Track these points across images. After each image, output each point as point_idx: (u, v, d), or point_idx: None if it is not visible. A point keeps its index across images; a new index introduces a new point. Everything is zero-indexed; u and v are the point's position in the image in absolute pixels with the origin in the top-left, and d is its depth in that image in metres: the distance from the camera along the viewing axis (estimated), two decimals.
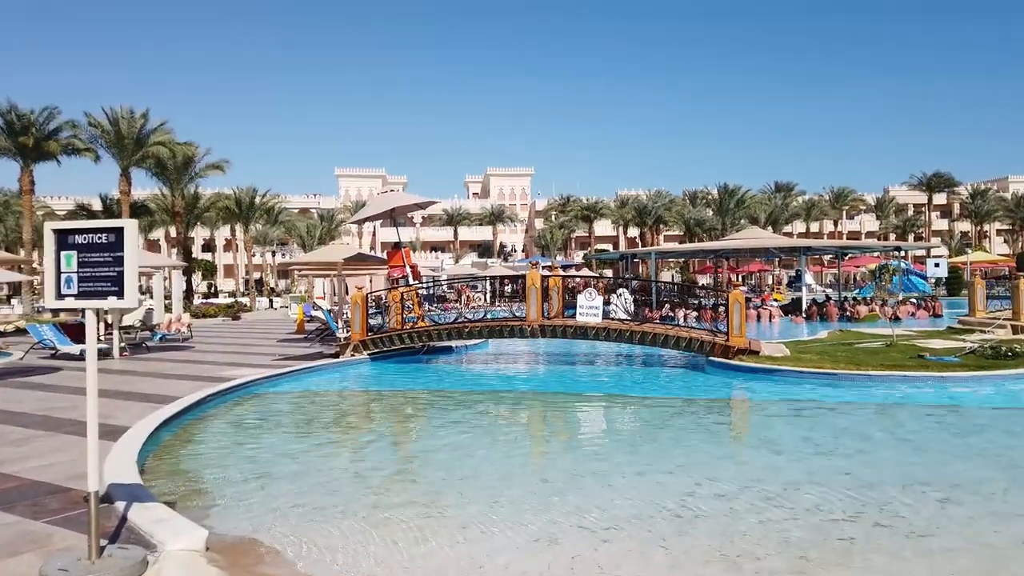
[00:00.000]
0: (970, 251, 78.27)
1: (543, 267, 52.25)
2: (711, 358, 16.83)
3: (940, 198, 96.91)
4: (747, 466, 8.49)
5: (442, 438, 10.30)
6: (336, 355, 18.51)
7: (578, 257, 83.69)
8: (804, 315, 31.91)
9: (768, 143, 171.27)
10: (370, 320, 19.24)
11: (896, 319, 27.17)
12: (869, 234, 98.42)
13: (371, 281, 30.70)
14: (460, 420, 11.71)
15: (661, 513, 6.56)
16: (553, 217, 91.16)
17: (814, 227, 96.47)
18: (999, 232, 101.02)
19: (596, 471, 8.19)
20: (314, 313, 30.01)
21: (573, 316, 17.87)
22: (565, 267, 60.74)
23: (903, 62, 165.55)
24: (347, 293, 24.15)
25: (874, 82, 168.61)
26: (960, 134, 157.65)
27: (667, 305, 31.40)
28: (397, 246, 21.70)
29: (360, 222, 37.51)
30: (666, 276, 68.33)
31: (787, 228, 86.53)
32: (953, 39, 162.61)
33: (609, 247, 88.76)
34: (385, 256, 28.13)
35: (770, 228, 69.90)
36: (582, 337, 17.97)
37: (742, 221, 66.95)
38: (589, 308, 17.61)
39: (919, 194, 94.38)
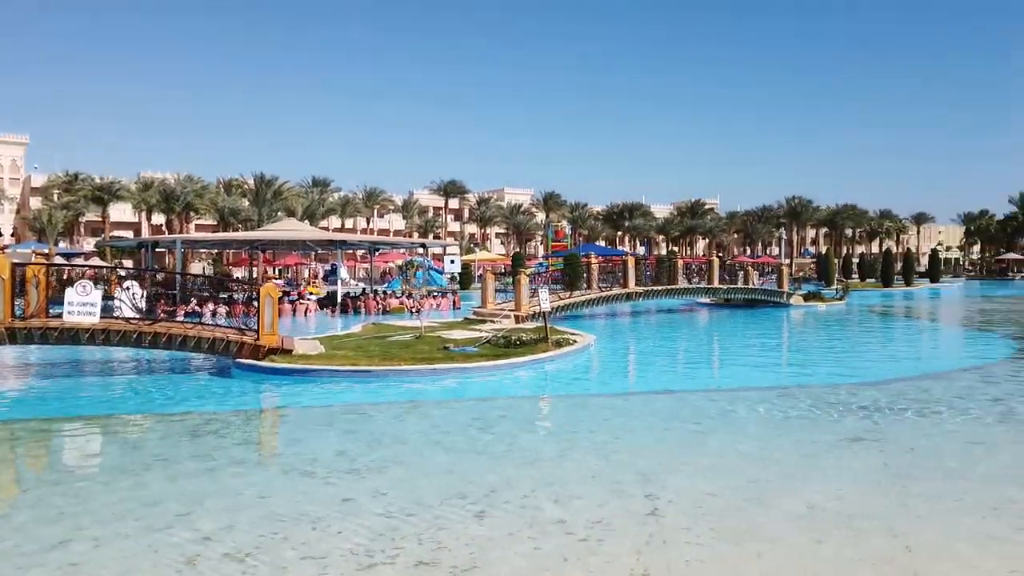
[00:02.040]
0: (477, 250, 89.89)
1: (37, 254, 42.88)
2: (239, 360, 14.90)
3: (454, 203, 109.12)
4: (273, 500, 6.97)
5: None
6: None
7: (89, 244, 71.68)
8: (340, 308, 31.84)
9: (308, 141, 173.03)
10: None
11: (418, 311, 28.78)
12: (397, 232, 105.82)
13: None
14: None
15: None
16: (56, 196, 76.39)
17: (349, 223, 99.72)
18: (497, 235, 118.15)
19: (43, 540, 5.74)
20: None
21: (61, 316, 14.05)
22: (68, 256, 51.06)
23: (422, 80, 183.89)
24: None
25: (403, 92, 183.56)
26: (471, 149, 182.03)
27: (195, 300, 28.05)
28: None
29: None
30: (197, 268, 62.82)
31: (323, 223, 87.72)
32: (444, 61, 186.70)
33: (130, 234, 78.20)
34: None
35: (307, 222, 69.79)
36: (72, 342, 14.27)
37: (279, 213, 65.31)
38: (82, 305, 14.02)
39: (438, 198, 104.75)
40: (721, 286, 33.98)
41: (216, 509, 6.68)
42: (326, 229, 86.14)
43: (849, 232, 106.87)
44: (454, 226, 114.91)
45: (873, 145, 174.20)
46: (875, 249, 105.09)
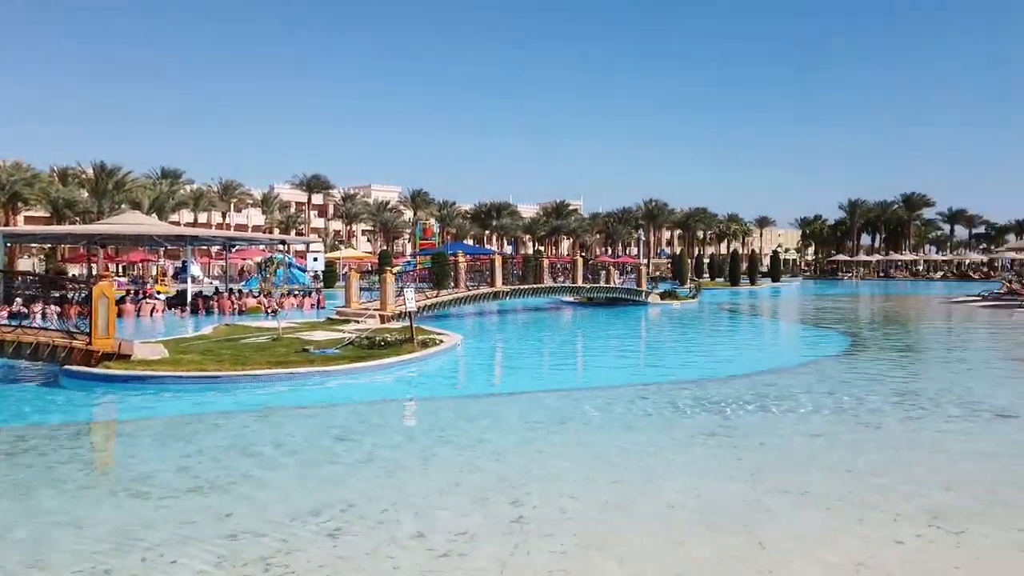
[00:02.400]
0: (342, 248, 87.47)
1: None
2: (68, 367, 13.46)
3: (318, 198, 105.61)
4: (97, 528, 6.19)
5: None
6: None
7: None
8: (190, 309, 29.80)
9: (159, 131, 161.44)
10: None
11: (276, 312, 27.46)
12: (256, 228, 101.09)
13: None
14: None
15: None
16: None
17: (203, 217, 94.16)
18: (364, 232, 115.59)
19: None
20: None
21: None
22: None
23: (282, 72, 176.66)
24: None
25: (263, 82, 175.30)
26: (335, 144, 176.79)
27: (20, 301, 25.23)
28: None
29: None
30: (27, 265, 56.90)
31: (174, 217, 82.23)
32: (307, 49, 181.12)
33: None
34: None
35: (155, 215, 65.05)
36: None
37: (123, 206, 60.43)
38: None
39: (301, 193, 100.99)
40: (584, 285, 34.82)
41: (27, 540, 5.84)
42: (176, 223, 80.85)
43: (701, 234, 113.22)
44: (318, 222, 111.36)
45: (724, 151, 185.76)
46: (724, 250, 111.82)
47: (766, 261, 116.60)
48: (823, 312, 35.30)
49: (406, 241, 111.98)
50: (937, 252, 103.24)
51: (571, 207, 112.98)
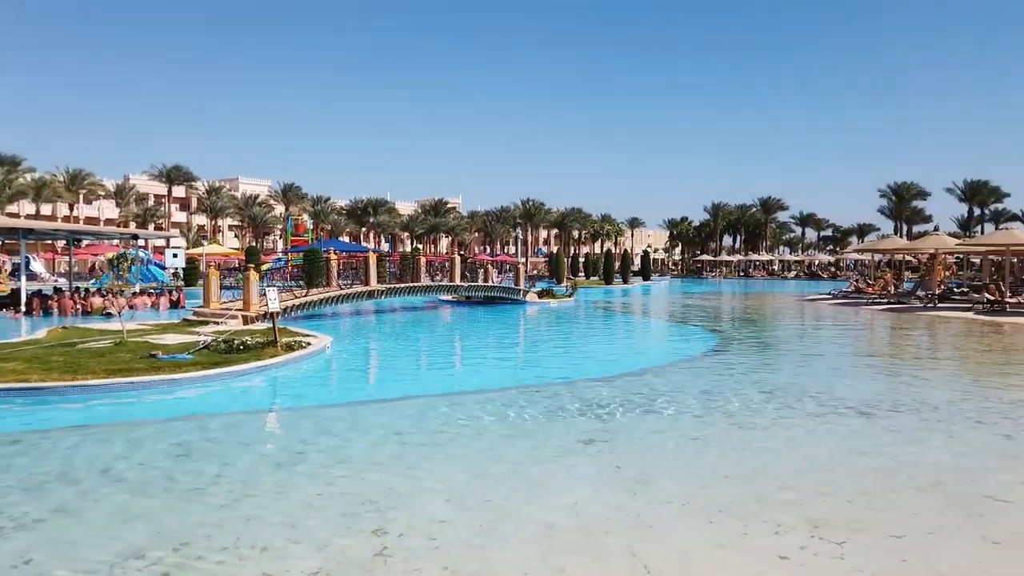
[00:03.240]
0: (206, 243, 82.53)
1: None
2: None
3: (180, 191, 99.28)
4: None
5: None
6: None
7: None
8: (24, 309, 26.73)
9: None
10: None
11: (121, 312, 25.14)
12: (109, 221, 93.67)
13: None
14: None
15: None
16: None
17: (46, 209, 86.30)
18: (231, 227, 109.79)
19: None
20: None
21: None
22: None
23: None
24: None
25: (123, 67, 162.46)
26: (198, 132, 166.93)
27: None
28: None
29: None
30: None
31: (12, 208, 74.63)
32: (171, 32, 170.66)
33: None
34: None
35: None
36: None
37: None
38: None
39: (160, 185, 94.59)
40: (463, 283, 34.30)
41: None
42: (15, 215, 73.48)
43: (576, 233, 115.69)
44: (180, 217, 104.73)
45: (596, 152, 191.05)
46: (598, 249, 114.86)
47: (638, 260, 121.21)
48: (691, 309, 36.56)
49: (277, 237, 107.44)
50: (791, 253, 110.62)
51: (449, 205, 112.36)
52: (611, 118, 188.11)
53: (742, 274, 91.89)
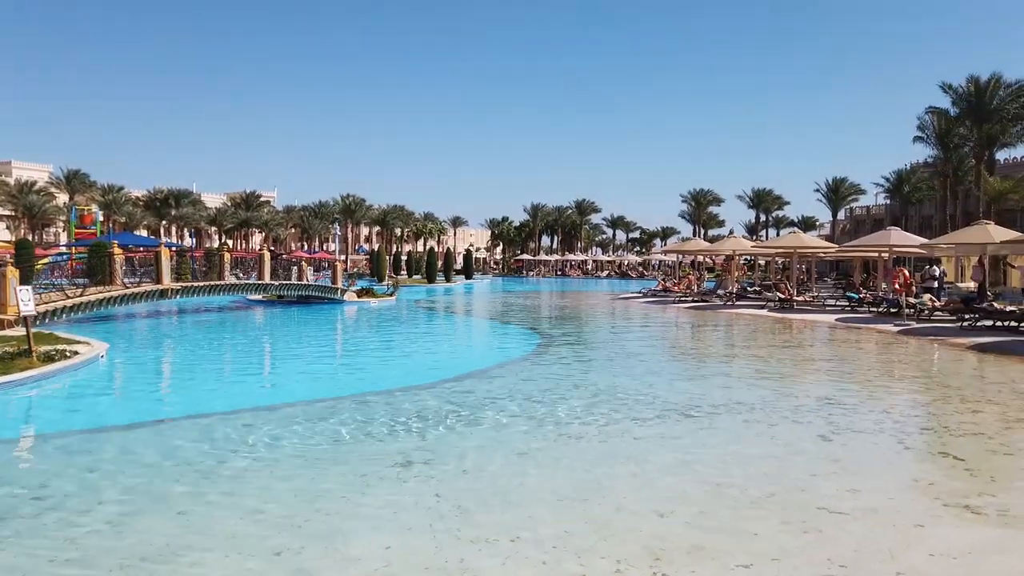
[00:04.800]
0: None
1: None
2: None
3: None
4: None
5: None
6: None
7: None
8: None
9: None
10: None
11: None
12: None
13: None
14: None
15: None
16: None
17: None
18: (2, 217, 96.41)
19: None
20: None
21: None
22: None
23: None
24: None
25: None
26: None
27: None
28: None
29: None
30: None
31: None
32: None
33: None
34: None
35: None
36: None
37: None
38: None
39: None
40: (273, 282, 31.83)
41: None
42: None
43: (399, 231, 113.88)
44: None
45: (422, 148, 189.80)
46: (421, 247, 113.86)
47: (459, 259, 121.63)
48: (512, 308, 36.55)
49: (60, 230, 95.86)
50: (603, 253, 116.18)
51: (263, 198, 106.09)
52: (434, 116, 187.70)
53: (559, 273, 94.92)
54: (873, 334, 21.97)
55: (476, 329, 28.16)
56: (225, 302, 34.45)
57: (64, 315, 21.31)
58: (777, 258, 48.49)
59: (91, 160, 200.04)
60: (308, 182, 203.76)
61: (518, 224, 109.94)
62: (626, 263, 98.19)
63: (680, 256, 59.45)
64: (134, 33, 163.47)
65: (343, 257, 67.87)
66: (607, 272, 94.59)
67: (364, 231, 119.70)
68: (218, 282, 28.55)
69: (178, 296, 27.17)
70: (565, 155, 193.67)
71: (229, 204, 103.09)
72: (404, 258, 76.15)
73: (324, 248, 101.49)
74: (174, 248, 34.18)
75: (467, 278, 72.71)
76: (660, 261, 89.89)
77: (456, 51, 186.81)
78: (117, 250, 24.68)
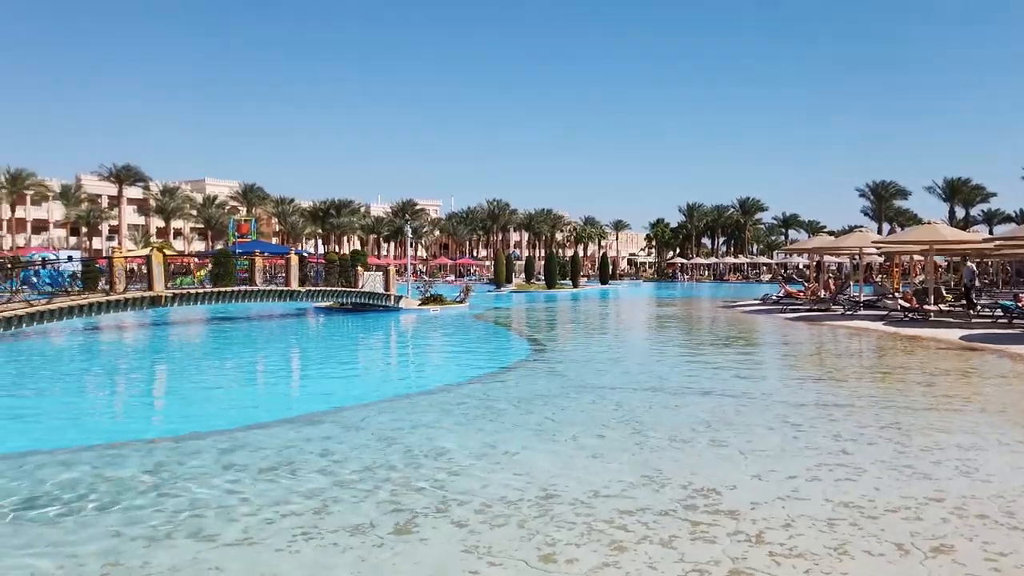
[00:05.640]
0: (138, 245, 78.95)
1: None
2: None
3: (136, 192, 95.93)
4: None
5: None
6: None
7: None
8: None
9: None
10: None
11: None
12: (58, 223, 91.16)
13: None
14: None
15: None
16: None
17: None
18: (193, 230, 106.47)
19: None
20: None
21: None
22: None
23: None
24: None
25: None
26: (176, 132, 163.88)
27: None
28: None
29: None
30: None
31: None
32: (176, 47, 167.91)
33: None
34: None
35: None
36: None
37: None
38: None
39: (111, 185, 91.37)
40: (300, 289, 29.98)
41: None
42: None
43: (559, 236, 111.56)
44: (137, 219, 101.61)
45: (577, 154, 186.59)
46: (581, 252, 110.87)
47: (623, 264, 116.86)
48: (568, 319, 32.29)
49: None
50: (774, 256, 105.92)
51: (419, 206, 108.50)
52: (592, 118, 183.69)
53: (715, 277, 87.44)
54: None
55: (466, 340, 23.66)
56: (291, 308, 33.63)
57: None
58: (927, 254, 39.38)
59: (268, 174, 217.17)
60: (477, 190, 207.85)
61: (675, 225, 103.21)
62: (790, 266, 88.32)
63: (813, 257, 50.98)
64: (305, 60, 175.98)
65: (412, 256, 66.39)
66: (771, 276, 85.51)
67: (515, 236, 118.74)
68: (242, 288, 27.41)
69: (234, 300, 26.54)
70: (725, 152, 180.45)
71: (389, 213, 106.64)
72: (520, 262, 73.03)
73: (473, 255, 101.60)
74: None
75: (602, 283, 68.49)
76: (836, 263, 79.46)
77: (609, 50, 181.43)
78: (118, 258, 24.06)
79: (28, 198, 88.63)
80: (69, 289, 23.06)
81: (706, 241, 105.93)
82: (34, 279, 31.26)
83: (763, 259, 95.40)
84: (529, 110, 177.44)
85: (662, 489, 6.87)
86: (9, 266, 30.27)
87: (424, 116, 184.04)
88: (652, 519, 6.02)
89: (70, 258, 50.37)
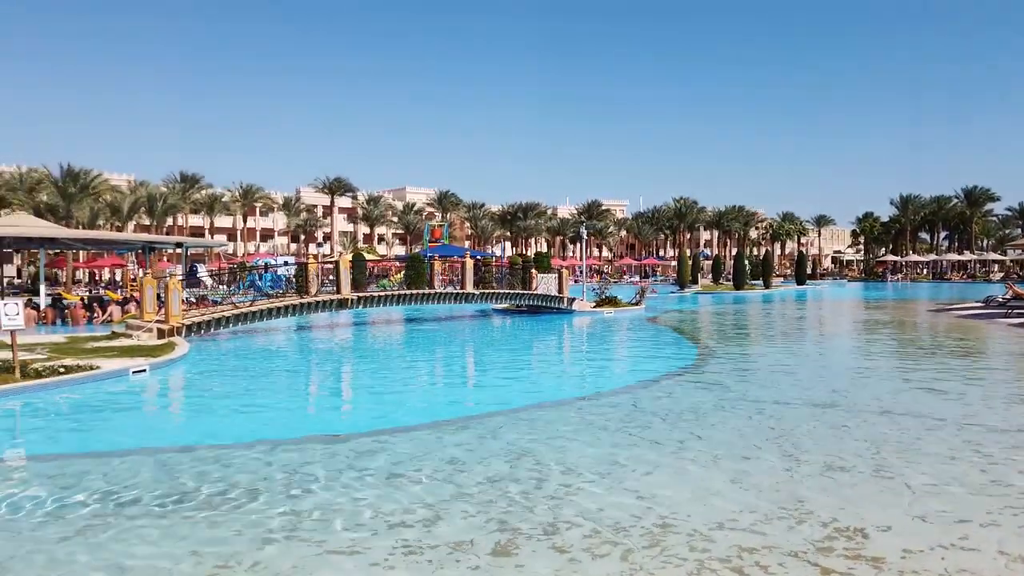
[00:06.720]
0: (345, 251, 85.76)
1: None
2: None
3: (346, 202, 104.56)
4: None
5: None
6: None
7: None
8: (38, 316, 27.73)
9: (175, 133, 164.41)
10: None
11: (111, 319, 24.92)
12: (281, 232, 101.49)
13: None
14: None
15: None
16: None
17: (221, 222, 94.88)
18: (395, 235, 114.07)
19: None
20: None
21: None
22: None
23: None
24: None
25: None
26: (368, 147, 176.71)
27: None
28: None
29: None
30: None
31: (195, 220, 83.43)
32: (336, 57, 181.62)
33: None
34: None
35: (135, 219, 65.40)
36: None
37: (94, 209, 59.52)
38: None
39: (324, 196, 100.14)
40: (475, 291, 30.68)
41: None
42: (200, 229, 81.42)
43: (754, 233, 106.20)
44: (347, 226, 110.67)
45: (764, 149, 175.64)
46: (778, 250, 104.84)
47: (826, 263, 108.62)
48: (742, 324, 30.12)
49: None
50: (1010, 252, 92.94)
51: (604, 207, 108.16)
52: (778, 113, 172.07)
53: (935, 276, 78.44)
54: None
55: (631, 345, 22.81)
56: (472, 310, 34.79)
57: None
58: None
59: (462, 181, 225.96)
60: (665, 189, 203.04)
61: (886, 220, 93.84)
62: None
63: None
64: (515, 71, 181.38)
65: (585, 259, 64.87)
66: (1003, 274, 75.16)
67: (705, 235, 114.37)
68: (419, 291, 28.74)
69: (358, 306, 28.11)
70: (946, 137, 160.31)
71: (575, 214, 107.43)
72: (708, 262, 69.99)
73: (659, 255, 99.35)
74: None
75: (798, 283, 64.04)
76: None
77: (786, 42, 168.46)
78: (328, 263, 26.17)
79: (257, 210, 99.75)
80: (285, 292, 25.74)
81: (924, 236, 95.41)
82: (259, 282, 34.90)
83: (994, 255, 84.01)
84: (719, 110, 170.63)
85: (798, 525, 6.12)
86: (236, 271, 34.39)
87: (620, 115, 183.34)
88: (775, 561, 5.35)
89: (285, 263, 55.76)
